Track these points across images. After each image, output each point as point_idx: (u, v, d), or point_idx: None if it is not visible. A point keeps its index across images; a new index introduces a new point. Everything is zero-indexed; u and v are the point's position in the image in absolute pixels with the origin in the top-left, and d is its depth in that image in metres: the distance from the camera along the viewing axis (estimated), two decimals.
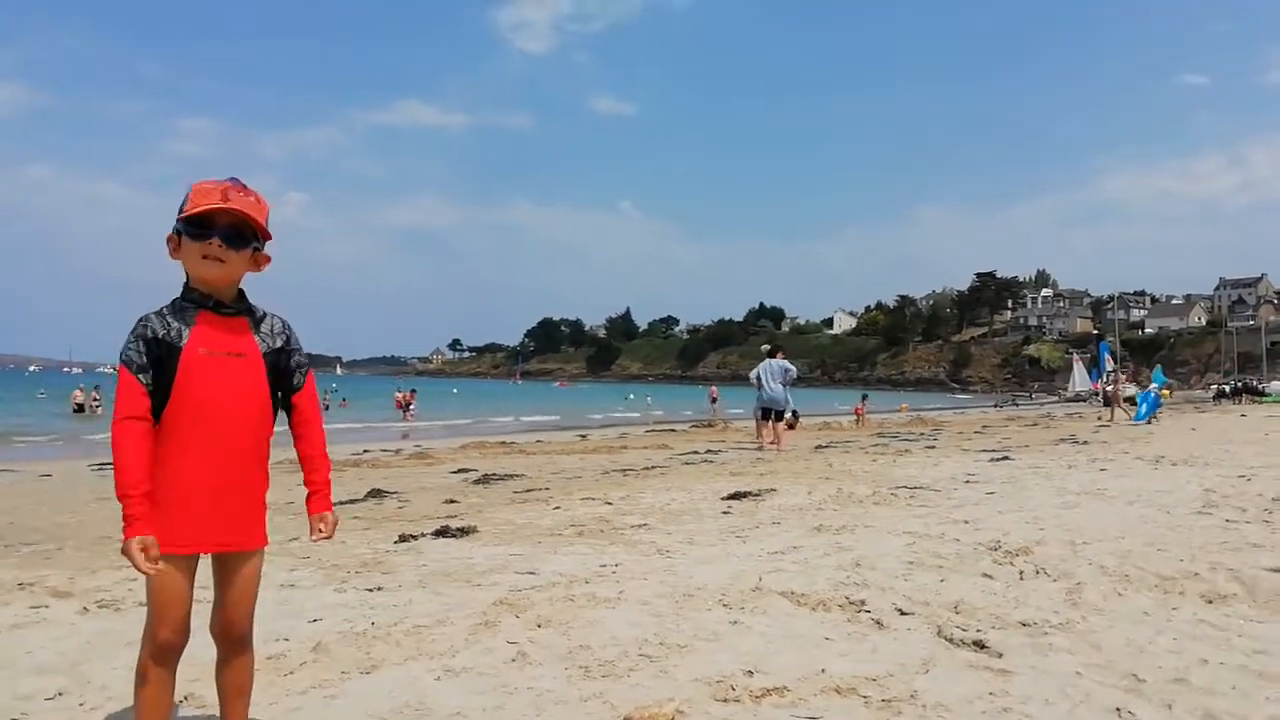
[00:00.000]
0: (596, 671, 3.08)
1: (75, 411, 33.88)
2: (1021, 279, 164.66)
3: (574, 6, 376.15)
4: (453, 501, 8.18)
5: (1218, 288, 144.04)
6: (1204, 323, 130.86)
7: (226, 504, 2.23)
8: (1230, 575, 4.39)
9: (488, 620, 3.71)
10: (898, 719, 2.67)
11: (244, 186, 2.24)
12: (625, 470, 11.29)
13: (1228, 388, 55.24)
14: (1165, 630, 3.51)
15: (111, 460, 2.14)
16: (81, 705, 2.86)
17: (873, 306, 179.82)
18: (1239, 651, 3.23)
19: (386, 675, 3.08)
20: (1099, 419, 25.88)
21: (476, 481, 10.07)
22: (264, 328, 2.34)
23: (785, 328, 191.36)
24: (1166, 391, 24.12)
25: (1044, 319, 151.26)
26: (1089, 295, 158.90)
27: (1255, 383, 53.47)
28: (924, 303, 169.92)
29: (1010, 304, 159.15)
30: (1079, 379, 58.82)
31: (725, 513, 6.95)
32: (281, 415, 2.41)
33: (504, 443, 17.77)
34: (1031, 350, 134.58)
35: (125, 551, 2.09)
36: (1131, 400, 26.94)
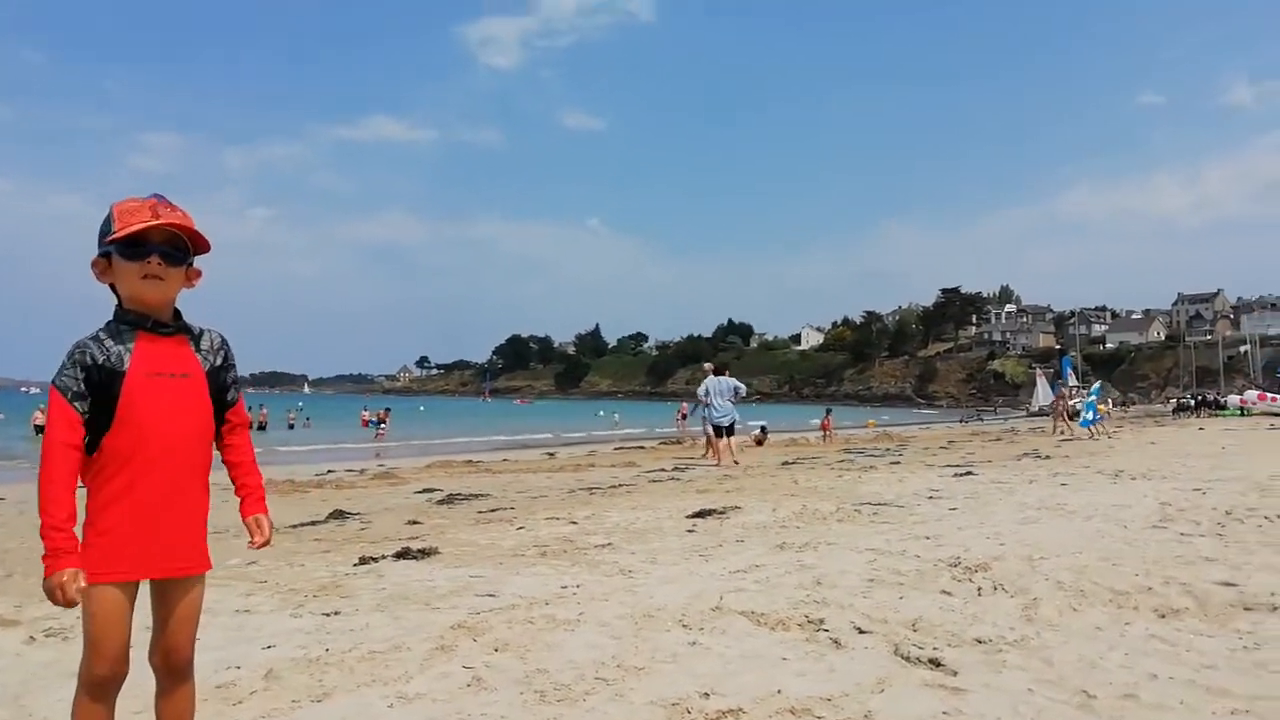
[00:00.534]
0: (552, 696, 3.06)
1: (37, 433, 33.20)
2: (986, 295, 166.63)
3: (542, 23, 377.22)
4: (416, 522, 8.11)
5: (1175, 303, 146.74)
6: (1163, 337, 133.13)
7: (169, 528, 2.19)
8: (1183, 589, 4.45)
9: (444, 644, 3.67)
10: None
11: (169, 201, 2.22)
12: (592, 488, 11.25)
13: (1191, 401, 56.33)
14: (1117, 645, 3.55)
15: (39, 488, 2.08)
16: None
17: (840, 322, 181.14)
18: (1188, 666, 3.28)
19: (338, 703, 3.03)
20: (1060, 433, 26.25)
21: (441, 501, 9.99)
22: (203, 344, 2.31)
23: (754, 344, 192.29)
24: (1102, 406, 26.41)
25: (1008, 334, 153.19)
26: (1051, 311, 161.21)
27: (1215, 396, 54.53)
28: (890, 318, 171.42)
29: (975, 319, 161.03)
30: (1042, 394, 59.55)
31: (690, 531, 6.95)
32: None
33: (470, 461, 17.66)
34: (996, 365, 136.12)
35: (53, 586, 2.02)
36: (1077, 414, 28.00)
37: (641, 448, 23.94)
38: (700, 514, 7.72)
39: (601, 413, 63.99)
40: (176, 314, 2.29)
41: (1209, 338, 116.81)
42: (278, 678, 3.26)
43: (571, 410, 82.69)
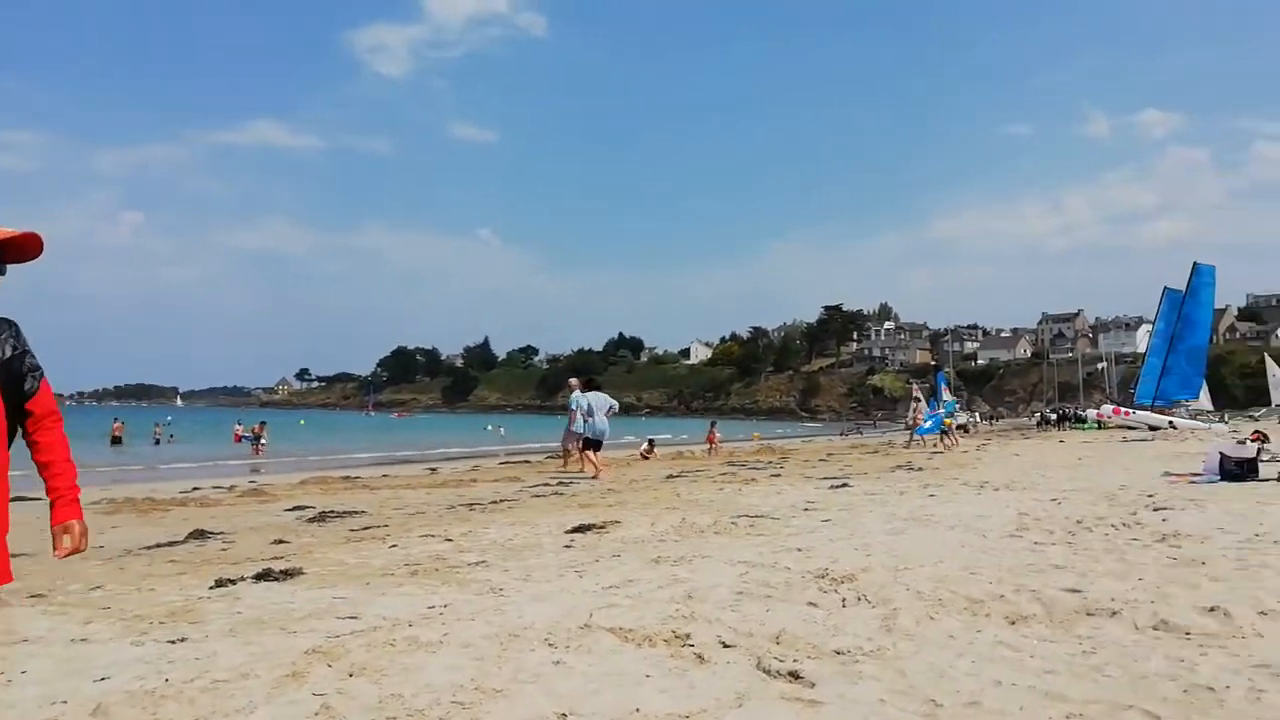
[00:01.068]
0: None
1: None
2: (866, 312, 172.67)
3: (432, 33, 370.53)
4: (282, 542, 7.78)
5: (1040, 322, 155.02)
6: (1029, 355, 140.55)
7: None
8: (1032, 596, 4.65)
9: (296, 671, 3.50)
10: None
11: None
12: (472, 504, 11.05)
13: (1053, 415, 59.70)
14: (966, 653, 3.67)
15: None
16: None
17: (727, 338, 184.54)
18: (1030, 672, 3.41)
19: None
20: (934, 446, 27.34)
21: (312, 520, 9.63)
22: None
23: (644, 358, 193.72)
24: (949, 420, 29.32)
25: (887, 350, 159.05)
26: (927, 328, 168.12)
27: (1076, 410, 57.97)
28: (776, 334, 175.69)
29: (856, 336, 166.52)
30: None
31: (567, 546, 6.89)
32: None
33: (347, 478, 17.10)
34: (875, 380, 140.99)
35: None
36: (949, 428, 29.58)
37: (528, 461, 23.70)
38: (579, 529, 7.67)
39: (489, 427, 63.20)
40: None
41: (1070, 355, 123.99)
42: (106, 712, 3.04)
43: (458, 424, 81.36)
